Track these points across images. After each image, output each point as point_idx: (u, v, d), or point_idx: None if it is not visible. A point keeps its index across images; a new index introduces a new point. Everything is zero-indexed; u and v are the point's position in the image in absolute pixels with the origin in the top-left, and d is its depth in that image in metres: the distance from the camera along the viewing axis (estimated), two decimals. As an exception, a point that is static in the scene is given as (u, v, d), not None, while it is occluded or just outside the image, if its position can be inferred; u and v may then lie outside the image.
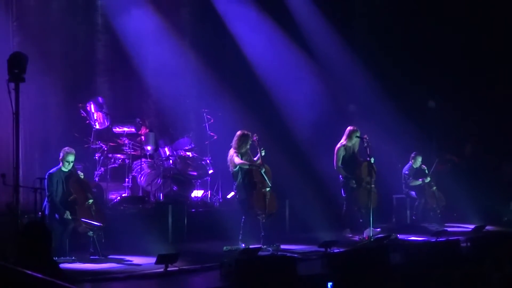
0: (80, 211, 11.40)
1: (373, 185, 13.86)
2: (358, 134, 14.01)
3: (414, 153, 16.27)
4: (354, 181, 14.07)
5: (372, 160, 13.83)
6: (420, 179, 16.07)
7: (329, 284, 9.55)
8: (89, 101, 14.69)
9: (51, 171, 11.47)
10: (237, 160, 12.45)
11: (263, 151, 12.63)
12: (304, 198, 15.04)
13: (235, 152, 12.51)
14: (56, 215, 11.30)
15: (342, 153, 14.11)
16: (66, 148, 11.63)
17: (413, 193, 16.15)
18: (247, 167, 12.52)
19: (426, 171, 16.15)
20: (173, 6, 16.76)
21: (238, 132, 12.67)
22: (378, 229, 13.82)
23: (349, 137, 14.09)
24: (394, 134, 16.94)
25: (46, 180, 11.17)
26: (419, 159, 16.19)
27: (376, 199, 14.00)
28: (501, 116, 18.38)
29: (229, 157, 12.62)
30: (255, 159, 12.66)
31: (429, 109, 18.51)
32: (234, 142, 12.61)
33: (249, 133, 12.63)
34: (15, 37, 13.49)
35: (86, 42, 15.47)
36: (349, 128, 14.18)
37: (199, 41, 16.77)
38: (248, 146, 12.62)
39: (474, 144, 18.68)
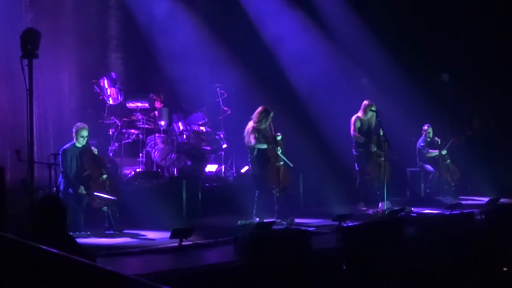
0: (94, 187, 11.44)
1: (383, 158, 13.86)
2: (373, 108, 14.03)
3: (426, 125, 16.23)
4: (373, 145, 14.12)
5: (381, 132, 13.84)
6: (437, 150, 16.02)
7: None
8: (103, 76, 14.70)
9: (65, 147, 11.51)
10: (254, 141, 12.40)
11: (280, 136, 12.61)
12: (318, 172, 15.02)
13: (253, 127, 12.45)
14: (71, 190, 11.34)
15: (357, 124, 14.25)
16: (79, 123, 11.65)
17: (427, 166, 16.12)
18: (265, 147, 12.50)
19: (439, 143, 16.10)
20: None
21: (260, 108, 12.61)
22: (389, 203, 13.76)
23: (365, 111, 14.18)
24: (407, 107, 16.91)
25: (60, 156, 11.15)
26: (431, 130, 16.16)
27: (389, 172, 13.94)
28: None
29: (246, 131, 12.57)
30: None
31: (443, 82, 18.44)
32: (254, 117, 12.52)
33: (271, 110, 12.57)
34: (27, 13, 13.45)
35: (99, 18, 15.42)
36: (364, 102, 14.28)
37: (212, 16, 16.70)
38: (267, 123, 12.54)
39: (482, 118, 18.57)
